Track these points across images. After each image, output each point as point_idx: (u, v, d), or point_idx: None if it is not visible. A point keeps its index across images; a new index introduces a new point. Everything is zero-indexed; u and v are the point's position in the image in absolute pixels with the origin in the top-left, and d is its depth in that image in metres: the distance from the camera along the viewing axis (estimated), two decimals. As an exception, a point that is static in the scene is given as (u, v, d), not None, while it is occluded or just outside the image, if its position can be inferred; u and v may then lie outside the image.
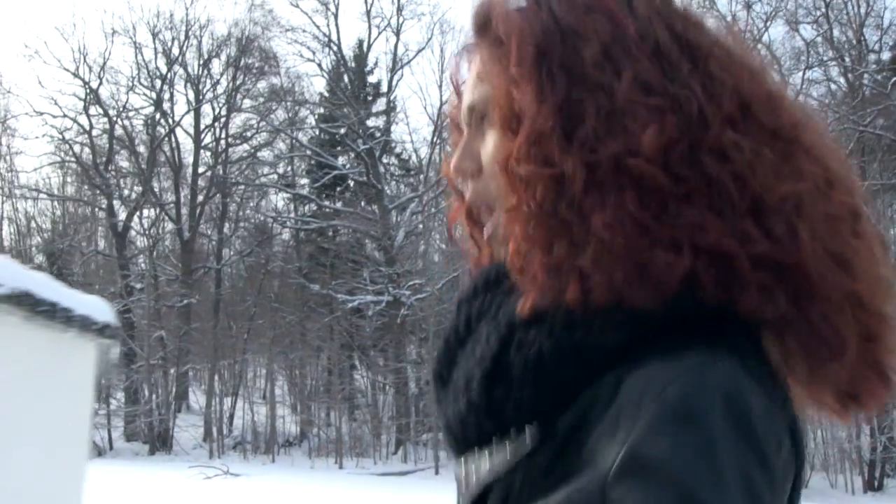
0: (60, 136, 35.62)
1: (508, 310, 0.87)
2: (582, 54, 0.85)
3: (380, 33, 35.44)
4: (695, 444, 0.71)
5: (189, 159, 36.38)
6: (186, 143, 36.61)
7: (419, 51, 35.87)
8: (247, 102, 36.36)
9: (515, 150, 0.85)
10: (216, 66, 36.41)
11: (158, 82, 35.99)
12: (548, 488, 0.79)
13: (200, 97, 36.05)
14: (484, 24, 0.95)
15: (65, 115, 35.37)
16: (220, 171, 35.94)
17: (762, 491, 0.73)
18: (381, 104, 36.44)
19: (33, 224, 39.38)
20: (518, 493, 0.82)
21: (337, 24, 35.85)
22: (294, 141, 35.52)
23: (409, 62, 35.30)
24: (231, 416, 32.94)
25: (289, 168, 37.35)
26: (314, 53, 35.31)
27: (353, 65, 35.84)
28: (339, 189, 35.68)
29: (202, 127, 36.19)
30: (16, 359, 5.17)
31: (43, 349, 5.49)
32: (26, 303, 5.00)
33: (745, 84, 0.86)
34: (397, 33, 34.83)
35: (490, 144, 0.92)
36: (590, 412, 0.78)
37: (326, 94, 36.37)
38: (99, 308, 6.00)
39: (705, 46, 0.88)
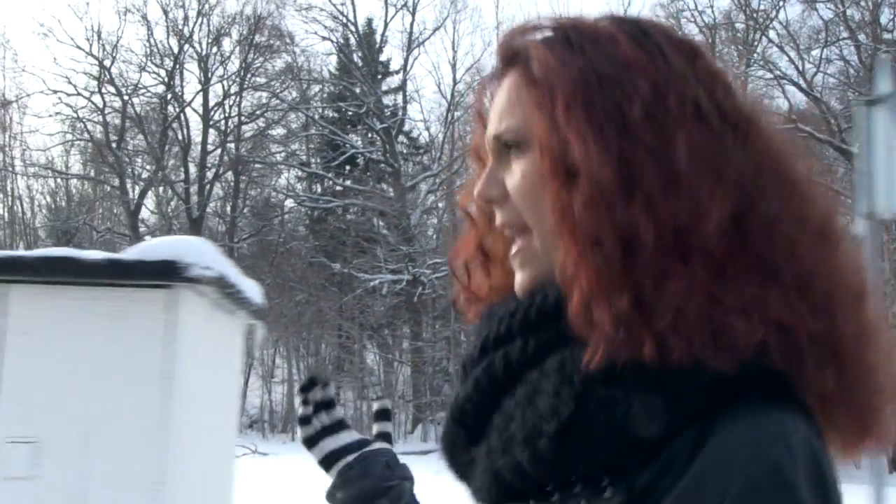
0: (75, 115, 35.43)
1: (575, 364, 0.84)
2: (624, 110, 0.83)
3: (397, 12, 35.25)
4: None
5: (198, 137, 36.25)
6: (196, 122, 36.46)
7: (435, 29, 35.50)
8: (257, 80, 36.18)
9: (575, 199, 0.83)
10: (227, 44, 36.22)
11: (169, 61, 35.78)
12: None
13: (210, 75, 35.83)
14: (512, 57, 0.94)
15: (79, 94, 35.17)
16: (233, 149, 35.81)
17: None
18: (391, 82, 36.37)
19: (42, 202, 39.16)
20: None
21: (353, 3, 35.59)
22: (308, 119, 35.38)
23: (425, 40, 35.14)
24: (244, 395, 33.01)
25: (301, 147, 37.24)
26: (331, 32, 35.19)
27: (358, 43, 35.71)
28: (348, 168, 35.61)
29: (212, 105, 36.02)
30: (207, 339, 5.25)
31: (223, 330, 5.57)
32: (220, 285, 5.07)
33: (783, 164, 0.87)
34: (413, 12, 34.71)
35: (517, 173, 0.92)
36: (669, 469, 0.79)
37: (336, 73, 36.23)
38: (254, 289, 6.06)
39: (744, 119, 0.87)
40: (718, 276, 0.80)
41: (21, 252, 4.95)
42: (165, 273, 4.72)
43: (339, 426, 1.29)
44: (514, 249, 0.95)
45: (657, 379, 0.80)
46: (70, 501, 4.70)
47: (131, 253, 4.91)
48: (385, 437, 1.35)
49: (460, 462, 0.95)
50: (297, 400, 1.30)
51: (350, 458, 1.26)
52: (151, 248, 4.90)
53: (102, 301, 4.81)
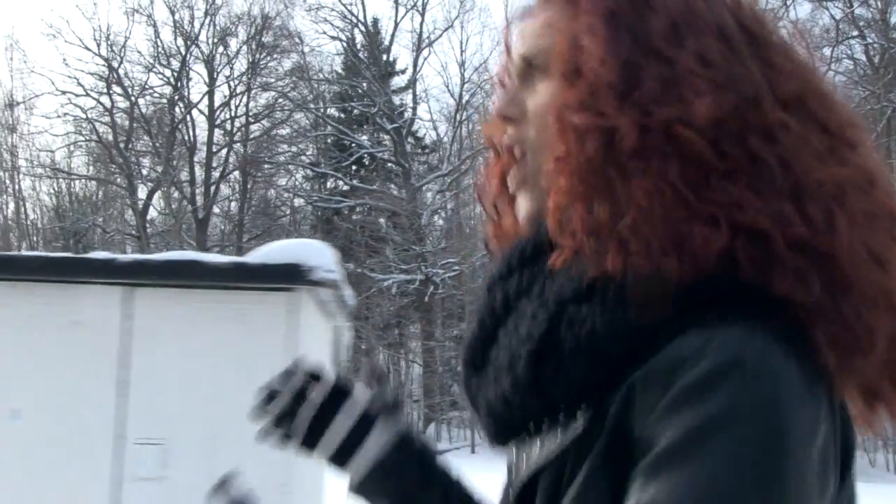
0: (84, 116, 35.35)
1: (555, 288, 0.85)
2: (649, 25, 0.85)
3: (407, 12, 35.31)
4: (717, 425, 0.72)
5: (204, 137, 36.21)
6: (203, 122, 36.42)
7: (445, 29, 35.59)
8: (265, 80, 36.17)
9: (573, 98, 0.84)
10: (233, 44, 36.19)
11: (176, 62, 35.74)
12: (594, 466, 0.79)
13: (215, 75, 35.80)
14: None
15: (87, 94, 35.10)
16: (241, 150, 35.80)
17: (783, 478, 0.72)
18: (399, 82, 36.42)
19: (48, 203, 39.06)
20: (569, 474, 0.81)
21: (363, 3, 35.62)
22: (317, 118, 35.41)
23: (435, 40, 35.19)
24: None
25: (308, 147, 37.24)
26: (341, 31, 35.23)
27: (367, 42, 35.76)
28: (355, 168, 35.63)
29: (217, 105, 36.00)
30: (319, 341, 5.30)
31: (325, 331, 5.62)
32: (336, 288, 5.12)
33: (801, 76, 0.87)
34: (422, 12, 34.75)
35: (539, 94, 0.92)
36: (633, 386, 0.78)
37: (342, 72, 36.24)
38: (350, 293, 6.12)
39: (767, 38, 0.88)
40: (694, 179, 0.79)
41: (147, 255, 5.00)
42: (290, 276, 4.76)
43: (335, 405, 1.04)
44: (517, 174, 0.95)
45: (621, 292, 0.79)
46: (198, 502, 4.75)
47: (255, 256, 4.95)
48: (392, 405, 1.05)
49: (477, 403, 0.91)
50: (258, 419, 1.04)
51: (377, 453, 1.01)
52: (274, 252, 4.94)
53: (226, 304, 4.85)
